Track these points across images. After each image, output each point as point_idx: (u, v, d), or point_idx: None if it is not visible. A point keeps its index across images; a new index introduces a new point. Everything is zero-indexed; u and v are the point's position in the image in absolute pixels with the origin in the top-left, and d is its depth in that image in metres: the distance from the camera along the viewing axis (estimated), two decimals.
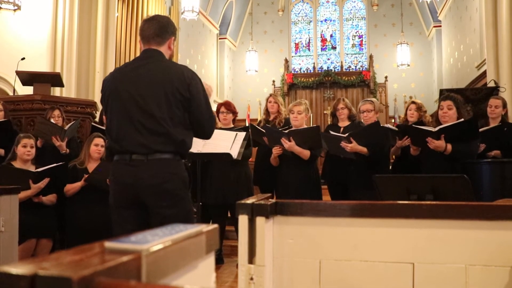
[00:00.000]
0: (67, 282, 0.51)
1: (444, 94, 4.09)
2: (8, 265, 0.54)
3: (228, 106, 4.60)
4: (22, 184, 3.64)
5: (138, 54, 9.32)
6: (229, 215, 4.56)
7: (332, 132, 4.14)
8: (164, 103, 2.38)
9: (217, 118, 4.80)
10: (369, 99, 4.43)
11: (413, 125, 3.90)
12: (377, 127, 3.94)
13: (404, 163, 4.13)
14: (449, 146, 3.48)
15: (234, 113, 4.59)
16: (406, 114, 4.45)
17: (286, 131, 4.00)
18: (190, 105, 2.43)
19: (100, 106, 5.68)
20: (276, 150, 4.05)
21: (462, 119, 3.55)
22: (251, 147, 4.43)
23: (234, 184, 4.30)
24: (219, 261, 4.38)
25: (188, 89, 2.41)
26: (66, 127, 4.38)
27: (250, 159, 4.63)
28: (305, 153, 3.94)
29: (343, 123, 4.39)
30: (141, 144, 2.36)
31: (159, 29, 2.48)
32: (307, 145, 3.95)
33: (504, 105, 4.24)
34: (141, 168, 2.37)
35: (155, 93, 2.39)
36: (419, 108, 4.32)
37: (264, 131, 4.19)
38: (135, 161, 2.37)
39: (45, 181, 3.75)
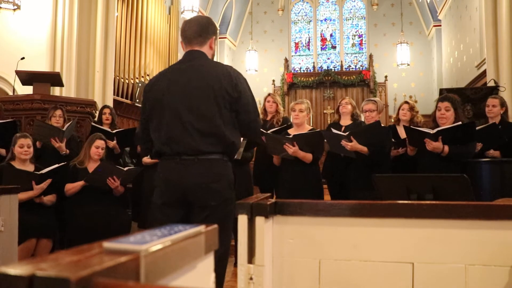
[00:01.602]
0: (65, 282, 0.50)
1: (442, 95, 4.09)
2: (7, 265, 0.53)
3: None
4: (25, 185, 3.65)
5: (138, 53, 9.31)
6: None
7: (334, 130, 4.14)
8: (213, 103, 2.37)
9: None
10: (372, 99, 4.43)
11: (412, 127, 3.90)
12: (378, 127, 3.94)
13: (400, 162, 4.14)
14: (447, 148, 3.48)
15: None
16: (398, 114, 4.49)
17: (290, 136, 3.98)
18: (238, 104, 2.42)
19: (99, 106, 5.71)
20: (275, 157, 4.05)
21: (460, 122, 3.55)
22: (252, 149, 4.41)
23: (235, 184, 4.28)
24: None
25: (236, 88, 2.40)
26: (64, 128, 4.38)
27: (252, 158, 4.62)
28: (308, 157, 3.92)
29: (345, 121, 4.39)
30: (191, 146, 2.37)
31: (200, 29, 2.49)
32: (310, 149, 3.94)
33: (502, 104, 4.24)
34: (190, 167, 2.38)
35: (204, 94, 2.38)
36: (412, 108, 4.38)
37: (263, 132, 4.17)
38: (185, 160, 2.38)
39: (48, 182, 3.76)
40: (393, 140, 4.13)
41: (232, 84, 2.40)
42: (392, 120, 4.75)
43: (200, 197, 2.40)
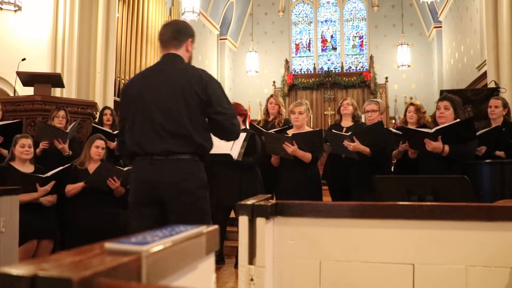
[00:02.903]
0: (67, 283, 0.50)
1: (442, 95, 4.08)
2: (8, 266, 0.54)
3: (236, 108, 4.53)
4: (29, 187, 3.66)
5: (139, 54, 9.33)
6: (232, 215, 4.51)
7: (334, 131, 4.13)
8: (183, 105, 2.42)
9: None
10: (374, 99, 4.42)
11: (410, 128, 3.89)
12: (381, 128, 3.94)
13: (405, 165, 4.12)
14: (447, 148, 3.46)
15: (243, 115, 4.49)
16: (405, 116, 4.42)
17: (289, 135, 3.98)
18: (210, 107, 2.46)
19: (100, 107, 5.71)
20: (275, 156, 4.03)
21: (458, 120, 3.53)
22: (254, 154, 4.29)
23: (241, 189, 4.23)
24: (220, 262, 4.37)
25: (205, 91, 2.44)
26: (68, 129, 4.39)
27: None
28: (307, 157, 3.92)
29: (346, 122, 4.37)
30: (162, 147, 2.43)
31: (176, 32, 2.54)
32: (309, 148, 3.93)
33: (505, 105, 4.22)
34: (161, 166, 2.44)
35: (175, 96, 2.43)
36: (418, 109, 4.25)
37: (263, 131, 4.17)
38: (156, 160, 2.44)
39: (51, 184, 3.77)
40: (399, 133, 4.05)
41: (202, 87, 2.43)
42: (395, 122, 4.71)
43: (171, 196, 2.45)
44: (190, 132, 2.43)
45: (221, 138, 2.66)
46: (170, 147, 2.42)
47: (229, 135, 2.65)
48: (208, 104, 2.45)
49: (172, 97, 2.43)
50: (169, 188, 2.43)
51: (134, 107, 2.51)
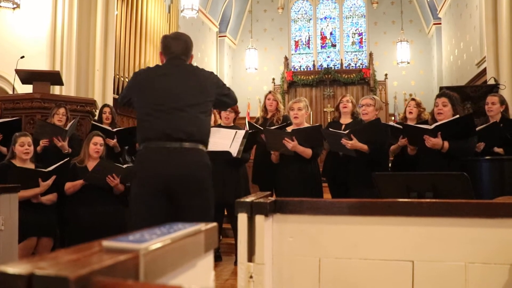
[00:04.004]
0: (64, 281, 0.50)
1: (440, 92, 4.07)
2: (7, 264, 0.53)
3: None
4: (32, 183, 3.66)
5: (138, 52, 9.27)
6: (225, 213, 4.54)
7: (331, 129, 4.12)
8: (198, 94, 2.66)
9: (218, 116, 4.79)
10: (371, 96, 4.42)
11: (409, 124, 3.88)
12: (378, 125, 3.93)
13: (402, 161, 4.12)
14: (446, 144, 3.46)
15: (237, 112, 4.58)
16: (405, 111, 4.43)
17: (289, 131, 3.98)
18: (222, 95, 2.80)
19: (99, 105, 5.70)
20: (274, 152, 4.04)
21: (458, 116, 3.53)
22: (250, 150, 4.42)
23: (233, 183, 4.28)
24: (217, 258, 4.39)
25: (217, 83, 2.80)
26: (67, 127, 4.39)
27: (249, 159, 4.61)
28: (308, 152, 3.92)
29: (345, 119, 4.36)
30: (178, 130, 2.54)
31: (186, 49, 2.81)
32: (309, 144, 3.93)
33: (502, 102, 4.22)
34: (173, 156, 2.52)
35: (190, 85, 2.66)
36: (418, 104, 4.29)
37: (262, 129, 4.17)
38: (168, 149, 2.53)
39: (53, 178, 3.77)
40: (399, 127, 4.04)
41: (214, 80, 2.80)
42: (394, 119, 4.72)
43: (182, 186, 2.52)
44: (201, 119, 2.63)
45: (223, 109, 3.48)
46: (181, 133, 2.54)
47: (230, 106, 3.09)
48: (221, 94, 2.80)
49: (186, 86, 2.65)
50: (181, 178, 2.51)
51: (145, 95, 2.64)
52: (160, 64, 2.85)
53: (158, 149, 2.53)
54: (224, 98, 2.84)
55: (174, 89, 2.63)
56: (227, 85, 2.91)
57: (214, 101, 2.77)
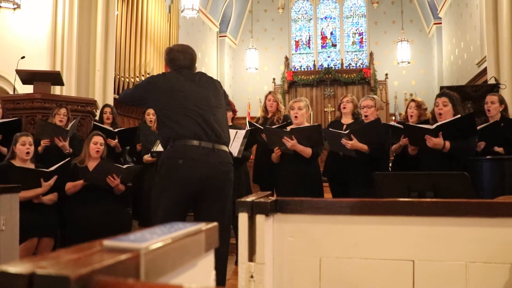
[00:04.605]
0: (65, 280, 0.50)
1: (440, 91, 4.06)
2: (7, 264, 0.53)
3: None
4: (33, 183, 3.66)
5: (138, 52, 9.26)
6: None
7: (331, 129, 4.12)
8: (220, 98, 2.87)
9: None
10: (371, 96, 4.41)
11: (410, 124, 3.88)
12: (378, 125, 3.93)
13: (403, 161, 4.12)
14: (448, 144, 3.45)
15: (234, 111, 4.58)
16: (406, 112, 4.41)
17: (288, 130, 3.98)
18: (226, 100, 3.02)
19: (100, 105, 5.70)
20: (276, 150, 4.04)
21: (459, 115, 3.52)
22: (250, 149, 4.43)
23: (234, 183, 4.28)
24: None
25: (224, 92, 3.01)
26: (68, 127, 4.39)
27: (250, 157, 4.62)
28: (307, 151, 3.92)
29: (346, 119, 4.36)
30: (210, 131, 2.70)
31: (192, 61, 2.95)
32: (309, 143, 3.93)
33: (501, 101, 4.21)
34: (211, 156, 2.66)
35: (212, 90, 2.84)
36: (419, 105, 4.24)
37: (262, 128, 4.18)
38: (205, 149, 2.65)
39: (54, 178, 3.78)
40: (400, 126, 4.03)
41: (222, 86, 3.02)
42: (395, 119, 4.70)
43: (219, 186, 2.68)
44: (227, 126, 2.87)
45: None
46: (213, 134, 2.69)
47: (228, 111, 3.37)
48: (226, 100, 3.01)
49: (209, 90, 2.83)
50: (220, 177, 2.68)
51: (171, 97, 2.74)
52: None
53: (193, 148, 2.63)
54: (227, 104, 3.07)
55: (203, 92, 2.78)
56: (227, 85, 3.10)
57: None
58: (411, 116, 4.23)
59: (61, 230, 4.04)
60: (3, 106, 4.52)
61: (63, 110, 4.51)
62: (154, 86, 2.82)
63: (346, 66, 14.21)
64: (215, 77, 15.34)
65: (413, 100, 4.35)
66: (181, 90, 2.75)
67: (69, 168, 3.94)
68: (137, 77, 8.90)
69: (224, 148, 2.74)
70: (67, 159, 3.94)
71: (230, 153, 3.95)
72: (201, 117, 2.69)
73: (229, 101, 3.07)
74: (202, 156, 2.63)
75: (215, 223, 0.98)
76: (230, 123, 4.53)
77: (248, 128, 4.40)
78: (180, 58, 2.88)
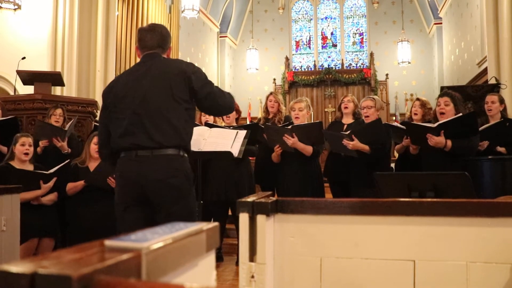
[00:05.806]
0: (66, 280, 0.50)
1: (442, 91, 4.06)
2: (8, 264, 0.54)
3: None
4: (32, 185, 3.66)
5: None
6: (230, 213, 4.54)
7: (332, 132, 4.12)
8: (169, 97, 2.44)
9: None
10: (371, 96, 4.41)
11: (412, 122, 3.88)
12: (379, 125, 3.93)
13: (405, 161, 4.11)
14: (449, 142, 3.46)
15: (238, 111, 4.56)
16: (410, 112, 4.39)
17: (288, 127, 3.98)
18: (200, 93, 2.49)
19: (100, 105, 5.70)
20: (276, 148, 4.03)
21: (461, 114, 3.53)
22: (257, 144, 4.39)
23: (236, 181, 4.28)
24: (218, 259, 4.38)
25: (192, 79, 2.47)
26: (66, 127, 4.39)
27: (251, 157, 4.60)
28: (308, 149, 3.92)
29: (347, 119, 4.36)
30: (147, 138, 2.41)
31: (162, 40, 2.61)
32: (310, 141, 3.93)
33: (501, 101, 4.21)
34: (146, 163, 2.41)
35: (160, 88, 2.45)
36: (423, 105, 4.20)
37: (264, 128, 4.18)
38: (140, 157, 2.42)
39: (53, 180, 3.78)
40: (402, 127, 4.01)
41: (188, 76, 2.47)
42: (395, 119, 4.70)
43: (158, 194, 2.43)
44: (174, 124, 2.43)
45: (216, 115, 3.09)
46: (155, 139, 2.40)
47: (223, 110, 2.71)
48: (196, 92, 2.48)
49: (156, 89, 2.45)
50: (156, 185, 2.41)
51: (117, 105, 2.50)
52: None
53: (129, 160, 2.45)
54: (208, 99, 2.53)
55: (146, 92, 2.47)
56: (228, 85, 2.80)
57: (196, 102, 2.55)
58: (415, 114, 4.21)
59: (62, 230, 4.04)
60: (3, 106, 4.52)
61: (59, 111, 4.51)
62: (104, 98, 2.63)
63: (346, 66, 14.21)
64: (215, 78, 15.03)
65: (418, 99, 4.34)
66: (119, 96, 2.51)
67: (69, 169, 3.94)
68: None
69: (165, 151, 2.43)
70: (66, 161, 3.94)
71: (230, 153, 3.96)
72: (135, 117, 2.44)
73: (210, 94, 2.52)
74: (135, 166, 2.44)
75: (216, 223, 0.98)
76: (235, 124, 4.51)
77: (248, 124, 4.40)
78: (147, 38, 2.58)
